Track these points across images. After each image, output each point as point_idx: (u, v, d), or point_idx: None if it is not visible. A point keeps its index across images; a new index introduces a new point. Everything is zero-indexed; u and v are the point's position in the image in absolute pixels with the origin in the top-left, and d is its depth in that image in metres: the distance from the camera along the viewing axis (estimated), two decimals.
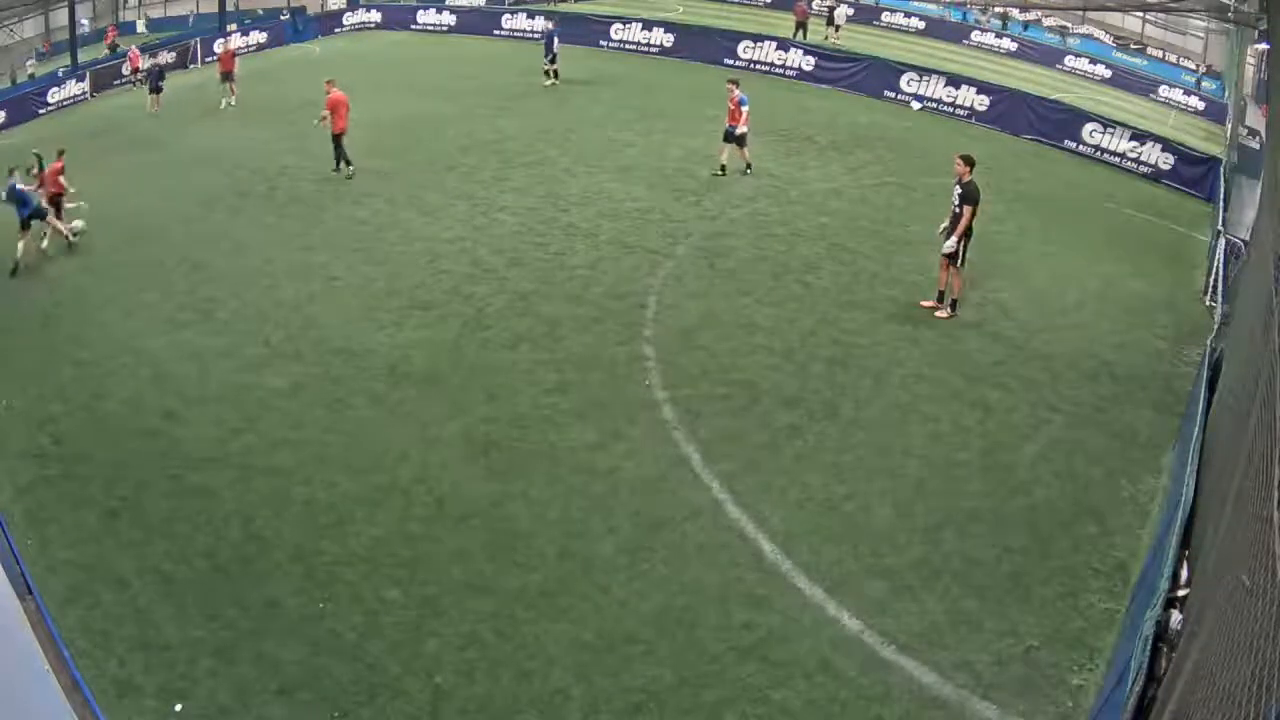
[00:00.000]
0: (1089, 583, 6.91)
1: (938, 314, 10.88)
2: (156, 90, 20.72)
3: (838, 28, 29.73)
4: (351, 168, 15.23)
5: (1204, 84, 32.30)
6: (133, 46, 26.12)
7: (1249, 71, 25.39)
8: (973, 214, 10.42)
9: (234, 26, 28.63)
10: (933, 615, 6.51)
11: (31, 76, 28.64)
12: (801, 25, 27.81)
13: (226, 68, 20.73)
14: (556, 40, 21.88)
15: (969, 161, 10.43)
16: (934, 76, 21.56)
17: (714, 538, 7.20)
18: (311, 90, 20.98)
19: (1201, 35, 36.32)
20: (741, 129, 14.94)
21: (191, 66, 25.78)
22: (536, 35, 25.52)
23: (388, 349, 9.83)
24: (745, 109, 14.85)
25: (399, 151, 16.41)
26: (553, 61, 21.61)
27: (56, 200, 12.96)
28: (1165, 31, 37.93)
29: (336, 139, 15.20)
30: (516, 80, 22.12)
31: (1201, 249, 14.15)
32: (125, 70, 24.41)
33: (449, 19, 29.71)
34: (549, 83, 21.60)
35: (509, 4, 33.36)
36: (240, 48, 26.92)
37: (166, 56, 24.69)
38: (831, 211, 14.11)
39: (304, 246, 12.42)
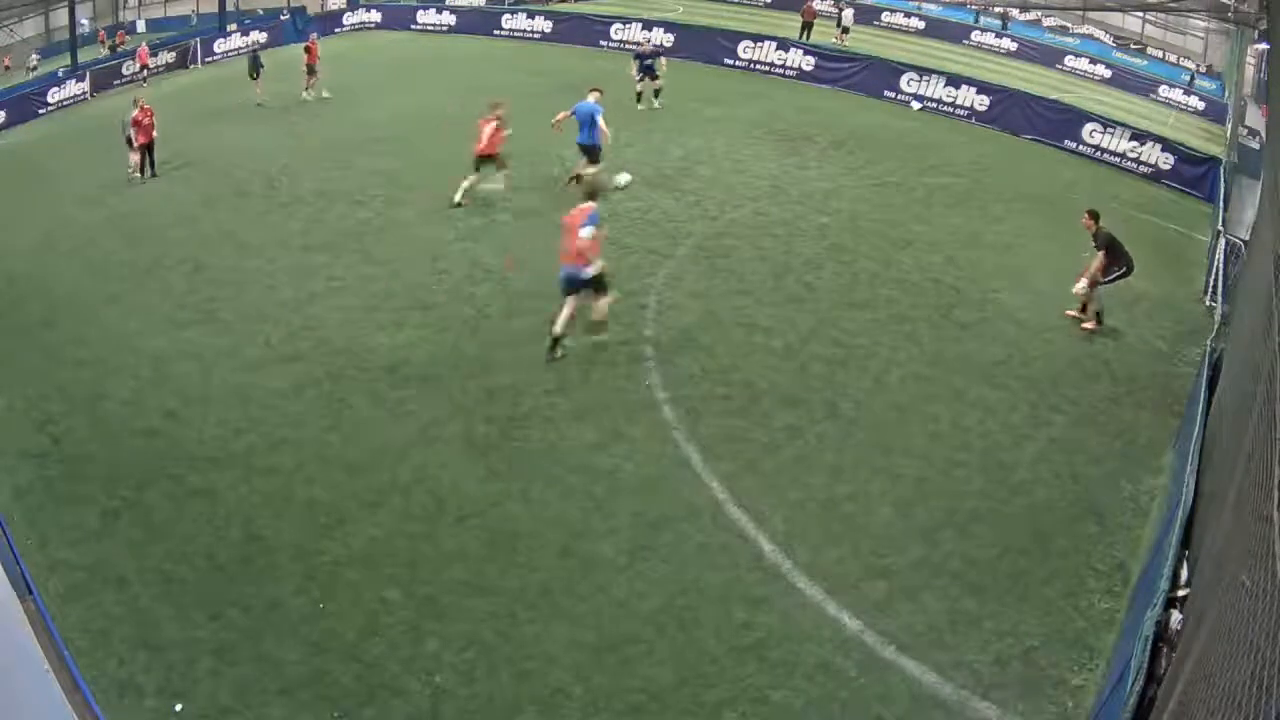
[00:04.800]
0: (1089, 583, 6.92)
1: (1084, 325, 10.95)
2: (256, 75, 20.69)
3: (846, 30, 29.62)
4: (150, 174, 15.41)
5: (1198, 82, 32.29)
6: (142, 44, 26.12)
7: (1249, 71, 25.37)
8: (1103, 261, 10.62)
9: (234, 26, 28.60)
10: (933, 615, 6.52)
11: (34, 70, 28.71)
12: (808, 26, 27.73)
13: (312, 60, 20.71)
14: (659, 59, 19.95)
15: (1094, 216, 10.85)
16: (934, 76, 21.56)
17: (714, 538, 7.20)
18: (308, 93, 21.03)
19: (1201, 35, 36.32)
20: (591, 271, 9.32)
21: (192, 66, 25.76)
22: (631, 48, 22.75)
23: (388, 349, 9.83)
24: (590, 230, 9.12)
25: (399, 151, 16.41)
26: (651, 79, 19.61)
27: None
28: (1165, 31, 37.92)
29: (145, 149, 15.31)
30: (517, 80, 22.09)
31: (1201, 249, 14.16)
32: (132, 68, 24.36)
33: (449, 19, 29.69)
34: (655, 104, 19.66)
35: (509, 4, 33.33)
36: (241, 47, 26.96)
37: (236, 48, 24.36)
38: (831, 211, 14.11)
39: (304, 246, 12.42)
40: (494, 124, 13.38)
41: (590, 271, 9.15)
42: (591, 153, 13.74)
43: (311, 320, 10.44)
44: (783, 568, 6.92)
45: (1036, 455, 8.47)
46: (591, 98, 13.86)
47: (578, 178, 11.79)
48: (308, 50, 20.84)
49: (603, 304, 9.50)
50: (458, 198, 13.61)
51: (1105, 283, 10.79)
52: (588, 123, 13.65)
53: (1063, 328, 10.91)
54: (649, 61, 19.87)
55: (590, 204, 9.24)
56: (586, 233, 8.97)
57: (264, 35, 27.76)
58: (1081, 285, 10.78)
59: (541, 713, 5.70)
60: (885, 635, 6.32)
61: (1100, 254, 10.65)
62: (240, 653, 6.05)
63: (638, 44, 21.70)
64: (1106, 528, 7.54)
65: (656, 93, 19.87)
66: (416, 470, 7.94)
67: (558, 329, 9.38)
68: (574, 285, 9.24)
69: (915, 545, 7.21)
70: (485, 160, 13.56)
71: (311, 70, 20.58)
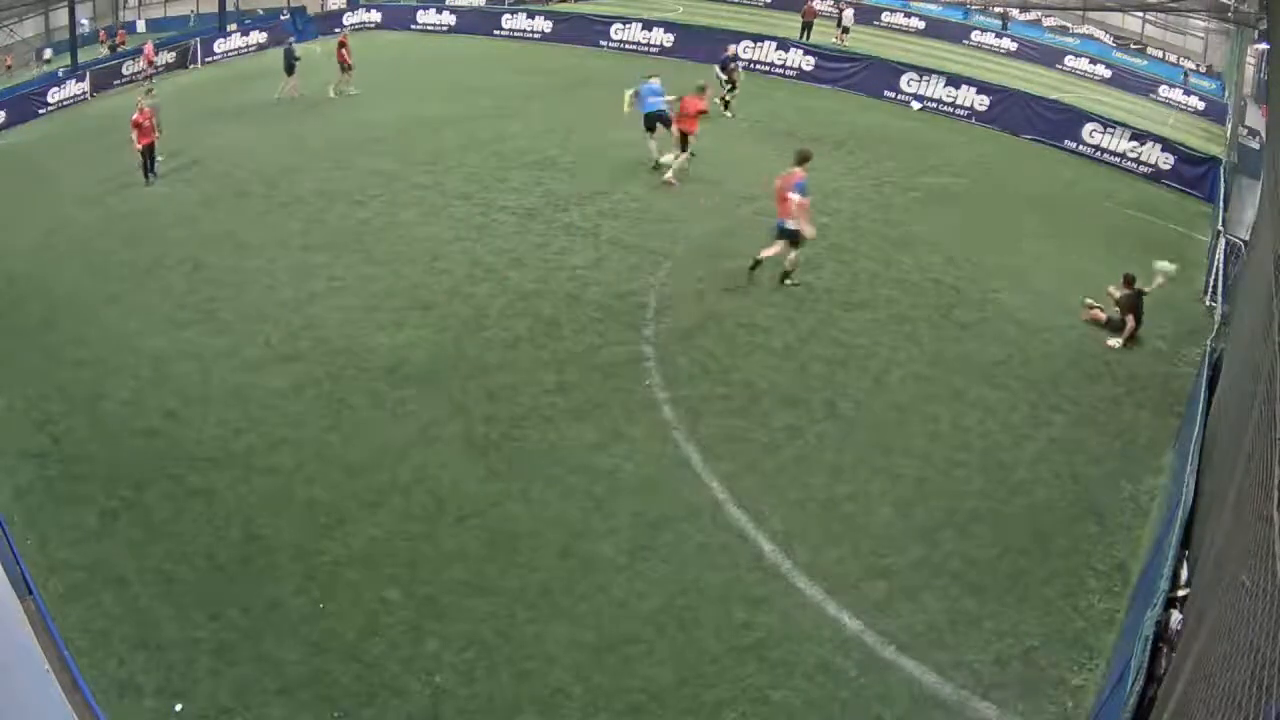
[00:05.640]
0: (1089, 583, 6.92)
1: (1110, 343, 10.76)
2: (290, 71, 20.86)
3: (846, 30, 29.58)
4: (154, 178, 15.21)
5: (1192, 80, 32.29)
6: (148, 41, 26.20)
7: (1249, 71, 25.38)
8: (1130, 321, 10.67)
9: (234, 26, 28.59)
10: (933, 615, 6.52)
11: (48, 62, 28.77)
12: (808, 26, 27.71)
13: (343, 57, 20.89)
14: (736, 64, 19.42)
15: (1130, 282, 10.73)
16: (934, 76, 21.54)
17: (714, 538, 7.21)
18: (312, 90, 21.04)
19: (1201, 35, 36.30)
20: (793, 226, 10.93)
21: (191, 67, 25.77)
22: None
23: (388, 349, 9.83)
24: (798, 196, 10.71)
25: (399, 151, 16.41)
26: (731, 88, 19.13)
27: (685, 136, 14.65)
28: (1165, 31, 37.89)
29: (145, 151, 15.09)
30: (517, 80, 22.11)
31: (1201, 249, 14.16)
32: (133, 67, 24.41)
33: (449, 19, 29.67)
34: (729, 114, 19.07)
35: (509, 4, 33.33)
36: (241, 47, 26.98)
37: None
38: (831, 211, 14.10)
39: (304, 246, 12.42)
40: (700, 103, 14.50)
41: (793, 226, 10.90)
42: (663, 120, 15.02)
43: (311, 320, 10.44)
44: (783, 568, 6.92)
45: (1036, 455, 8.47)
46: (655, 81, 15.24)
47: (669, 161, 14.57)
48: (341, 46, 21.01)
49: (793, 255, 11.21)
50: (667, 173, 14.66)
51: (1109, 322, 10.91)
52: (651, 96, 15.05)
53: (1063, 328, 10.91)
54: (731, 68, 19.27)
55: (800, 170, 10.78)
56: (795, 197, 10.65)
57: (264, 35, 27.76)
58: (1094, 305, 11.11)
59: (541, 713, 5.70)
60: (885, 635, 6.32)
61: (1120, 298, 10.74)
62: (240, 653, 6.05)
63: (725, 52, 20.38)
64: (1106, 528, 7.54)
65: (726, 104, 19.18)
66: (416, 470, 7.94)
67: (761, 256, 11.26)
68: (782, 233, 11.06)
69: (915, 545, 7.21)
70: (683, 135, 14.62)
71: (346, 67, 20.80)
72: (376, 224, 13.18)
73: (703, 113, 14.69)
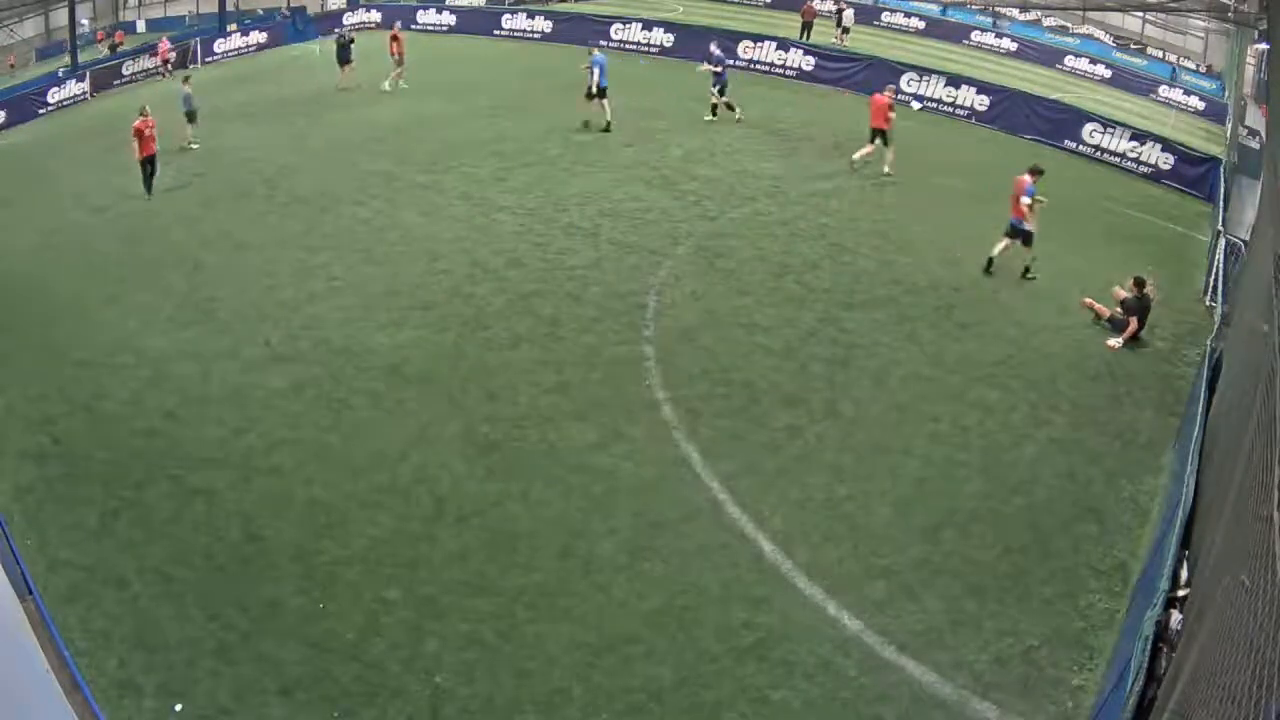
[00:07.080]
0: (1089, 583, 6.92)
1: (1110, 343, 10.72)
2: (346, 62, 21.16)
3: (846, 30, 29.54)
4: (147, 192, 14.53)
5: (1182, 76, 32.30)
6: (163, 38, 26.30)
7: (1249, 71, 25.35)
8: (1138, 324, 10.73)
9: (234, 26, 28.60)
10: (933, 615, 6.52)
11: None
12: (808, 26, 27.70)
13: (396, 50, 21.10)
14: (722, 67, 18.56)
15: (1140, 284, 10.81)
16: (934, 76, 21.53)
17: (714, 538, 7.21)
18: (313, 90, 21.06)
19: (1201, 35, 36.29)
20: (1026, 226, 11.93)
21: (191, 67, 25.76)
22: (702, 58, 19.55)
23: (388, 349, 9.83)
24: (1028, 199, 11.80)
25: (399, 151, 16.41)
26: (721, 93, 18.53)
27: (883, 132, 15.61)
28: (1165, 31, 37.88)
29: (146, 162, 14.41)
30: (517, 80, 22.10)
31: (1201, 249, 14.15)
32: (132, 67, 24.50)
33: (449, 19, 29.66)
34: (737, 116, 18.57)
35: (509, 4, 33.32)
36: (241, 47, 26.99)
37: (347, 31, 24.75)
38: (831, 211, 14.11)
39: (304, 246, 12.42)
40: (888, 101, 15.53)
41: (1026, 226, 11.96)
42: (602, 92, 17.47)
43: (312, 320, 10.44)
44: (783, 568, 6.92)
45: (1036, 455, 8.47)
46: (597, 52, 17.86)
47: (606, 126, 17.36)
48: (394, 40, 21.18)
49: (1004, 246, 12.15)
50: (857, 156, 15.87)
51: (1112, 324, 10.91)
52: (602, 69, 17.32)
53: (1063, 328, 10.91)
54: (721, 72, 18.41)
55: (1029, 177, 11.94)
56: (1026, 200, 11.77)
57: (264, 35, 27.75)
58: (1095, 301, 11.23)
59: (541, 713, 5.70)
60: (885, 635, 6.32)
61: (1123, 297, 10.80)
62: (240, 653, 6.05)
63: (707, 53, 19.12)
64: (1106, 528, 7.54)
65: (728, 106, 18.60)
66: (416, 470, 7.94)
67: (994, 254, 12.21)
68: (1014, 231, 12.05)
69: (915, 545, 7.22)
70: (878, 133, 15.62)
71: (399, 60, 20.97)
72: (376, 224, 13.18)
73: (891, 107, 15.53)
